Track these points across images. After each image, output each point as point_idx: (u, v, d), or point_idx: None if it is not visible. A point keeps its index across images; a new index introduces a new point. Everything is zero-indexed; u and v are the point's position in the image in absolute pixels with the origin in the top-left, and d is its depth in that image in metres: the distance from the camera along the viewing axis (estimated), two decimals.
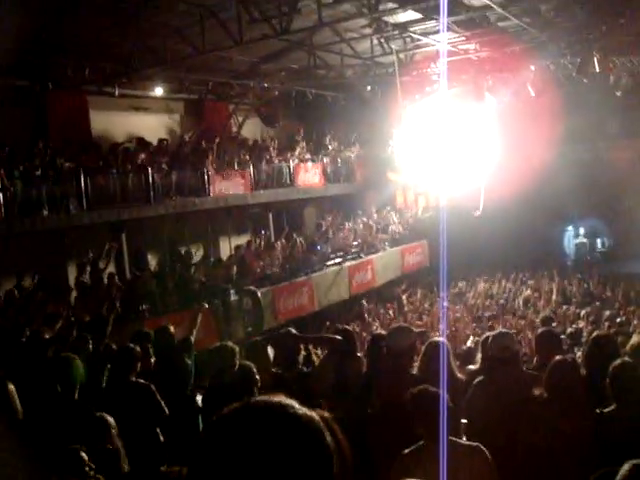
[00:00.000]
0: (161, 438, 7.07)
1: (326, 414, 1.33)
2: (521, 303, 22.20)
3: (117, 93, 18.83)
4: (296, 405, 1.30)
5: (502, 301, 23.17)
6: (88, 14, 14.06)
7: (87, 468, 5.03)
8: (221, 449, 1.25)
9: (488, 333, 7.82)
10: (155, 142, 19.75)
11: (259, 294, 17.86)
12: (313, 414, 1.30)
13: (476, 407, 5.95)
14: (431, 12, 16.12)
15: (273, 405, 1.30)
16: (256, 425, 1.25)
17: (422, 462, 4.38)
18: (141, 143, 19.33)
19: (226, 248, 21.97)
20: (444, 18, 14.85)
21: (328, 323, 17.91)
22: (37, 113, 17.84)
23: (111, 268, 17.66)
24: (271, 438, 1.22)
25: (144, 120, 20.91)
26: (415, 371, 6.61)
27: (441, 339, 7.23)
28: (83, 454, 5.09)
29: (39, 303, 13.23)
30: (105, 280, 15.14)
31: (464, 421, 5.56)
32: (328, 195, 25.72)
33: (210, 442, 1.28)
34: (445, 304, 20.08)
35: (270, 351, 8.11)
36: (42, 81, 17.54)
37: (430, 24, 17.44)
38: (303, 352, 8.24)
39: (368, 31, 18.48)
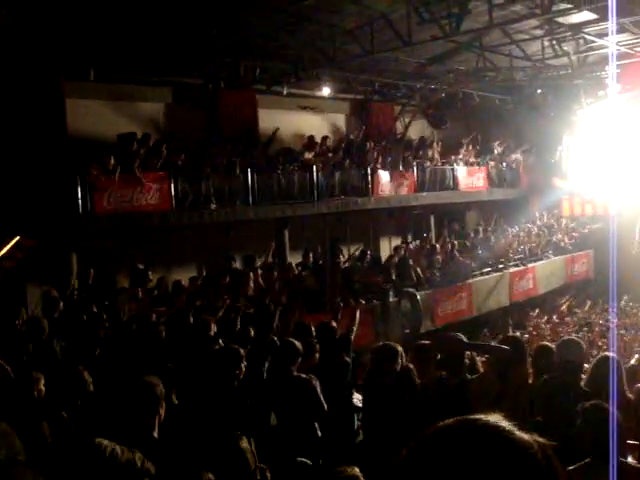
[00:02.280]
0: (319, 433, 7.12)
1: (543, 440, 1.25)
2: None
3: (285, 92, 19.21)
4: (515, 429, 1.22)
5: None
6: (261, 15, 14.39)
7: (250, 455, 5.12)
8: (432, 469, 1.19)
9: None
10: (320, 141, 19.97)
11: (418, 297, 17.78)
12: (532, 440, 1.22)
13: None
14: (607, 12, 15.53)
15: (490, 427, 1.23)
16: (471, 448, 1.19)
17: None
18: (308, 142, 19.61)
19: (386, 249, 21.98)
20: (613, 18, 14.23)
21: (486, 330, 17.63)
22: (208, 111, 18.44)
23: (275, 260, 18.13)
24: (487, 463, 1.16)
25: (310, 119, 21.19)
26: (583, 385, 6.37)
27: (612, 354, 6.91)
28: (245, 444, 5.18)
29: (204, 292, 13.73)
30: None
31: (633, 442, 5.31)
32: (491, 200, 25.23)
33: (421, 459, 1.23)
34: (614, 318, 19.36)
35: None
36: (215, 80, 18.14)
37: (605, 25, 16.80)
38: (467, 360, 8.08)
39: (539, 32, 18.00)
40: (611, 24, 14.78)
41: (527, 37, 18.28)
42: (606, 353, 7.18)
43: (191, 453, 4.80)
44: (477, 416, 1.25)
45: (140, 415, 4.47)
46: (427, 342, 8.40)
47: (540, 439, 1.24)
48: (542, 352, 7.15)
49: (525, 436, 1.22)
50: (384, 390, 6.75)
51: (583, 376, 6.68)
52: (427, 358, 7.62)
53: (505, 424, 1.23)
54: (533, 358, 7.35)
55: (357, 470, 4.00)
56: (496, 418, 1.25)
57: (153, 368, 6.39)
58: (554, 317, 23.68)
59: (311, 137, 19.72)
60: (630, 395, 6.46)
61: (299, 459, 5.05)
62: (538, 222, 26.06)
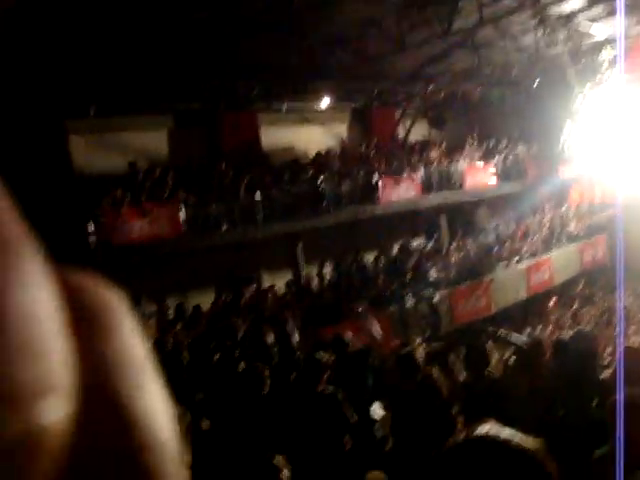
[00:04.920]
0: (346, 447, 7.14)
1: (540, 444, 1.32)
2: None
3: (285, 108, 19.33)
4: (517, 437, 1.29)
5: None
6: (252, 34, 14.51)
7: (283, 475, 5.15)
8: None
9: None
10: (323, 152, 20.07)
11: (435, 298, 17.81)
12: (535, 445, 1.29)
13: None
14: None
15: (499, 440, 1.29)
16: (485, 461, 1.25)
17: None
18: (312, 155, 19.74)
19: (399, 253, 22.02)
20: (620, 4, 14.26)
21: (501, 330, 17.56)
22: (211, 134, 18.57)
23: (289, 277, 18.21)
24: (501, 474, 1.22)
25: (312, 132, 21.29)
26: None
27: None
28: (279, 461, 5.22)
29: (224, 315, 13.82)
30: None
31: None
32: (499, 194, 25.21)
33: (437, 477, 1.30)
34: (622, 304, 19.27)
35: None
36: (214, 103, 18.25)
37: (597, 10, 16.87)
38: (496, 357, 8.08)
39: (531, 24, 18.07)
40: (619, 6, 14.72)
41: (520, 30, 18.35)
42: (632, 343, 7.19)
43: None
44: (482, 431, 1.31)
45: None
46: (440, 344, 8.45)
47: (539, 444, 1.31)
48: (558, 346, 7.18)
49: (524, 442, 1.28)
50: (408, 398, 6.78)
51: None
52: (445, 360, 7.66)
53: (507, 433, 1.29)
54: (551, 352, 7.38)
55: (382, 474, 4.09)
56: (496, 430, 1.31)
57: (181, 396, 6.45)
58: (574, 306, 23.63)
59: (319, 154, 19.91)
60: None
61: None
62: (548, 212, 25.99)
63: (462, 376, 7.52)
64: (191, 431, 4.81)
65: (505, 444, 1.28)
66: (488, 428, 1.31)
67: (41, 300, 0.33)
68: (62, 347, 0.32)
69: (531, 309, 22.40)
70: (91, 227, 14.00)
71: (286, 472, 5.20)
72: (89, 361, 0.34)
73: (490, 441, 1.30)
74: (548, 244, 24.00)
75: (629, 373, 5.39)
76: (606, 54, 20.56)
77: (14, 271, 0.32)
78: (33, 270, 0.33)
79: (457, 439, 1.33)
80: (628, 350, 6.54)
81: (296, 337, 10.55)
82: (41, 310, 0.32)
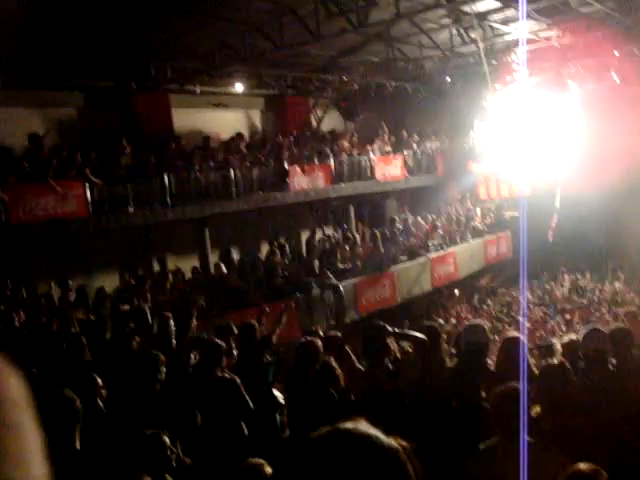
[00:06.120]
0: (245, 432, 7.18)
1: (405, 444, 1.35)
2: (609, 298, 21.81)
3: (198, 91, 19.17)
4: (381, 435, 1.32)
5: (589, 294, 22.87)
6: (167, 14, 14.32)
7: (169, 452, 5.19)
8: (307, 477, 1.28)
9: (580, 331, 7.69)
10: (235, 137, 19.96)
11: (341, 288, 17.95)
12: (397, 445, 1.32)
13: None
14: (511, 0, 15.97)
15: (361, 435, 1.31)
16: (344, 456, 1.27)
17: (498, 460, 4.37)
18: (222, 139, 19.63)
19: (308, 241, 22.11)
20: (523, 6, 14.64)
21: (407, 321, 17.86)
22: (122, 114, 18.26)
23: (195, 262, 18.08)
24: (359, 470, 1.24)
25: (225, 116, 21.17)
26: (492, 367, 6.59)
27: (518, 335, 7.10)
28: (165, 438, 5.24)
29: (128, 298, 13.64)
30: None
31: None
32: (409, 187, 25.56)
33: (297, 469, 1.31)
34: (524, 298, 19.79)
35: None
36: (126, 82, 17.94)
37: (510, 12, 17.22)
38: (394, 346, 8.21)
39: (447, 21, 18.33)
40: (522, 9, 15.05)
41: (435, 26, 18.60)
42: (512, 334, 7.41)
43: (117, 458, 4.85)
44: (348, 425, 1.34)
45: (61, 428, 4.47)
46: (336, 333, 8.54)
47: (403, 442, 1.34)
48: (457, 338, 7.38)
49: (392, 441, 1.32)
50: (307, 385, 6.85)
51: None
52: (340, 348, 7.77)
53: (373, 431, 1.32)
54: (453, 344, 7.59)
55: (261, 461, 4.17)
56: (365, 426, 1.34)
57: (77, 379, 6.37)
58: (475, 300, 24.23)
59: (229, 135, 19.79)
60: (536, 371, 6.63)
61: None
62: (456, 206, 26.48)
63: (361, 365, 7.64)
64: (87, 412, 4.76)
65: (365, 439, 1.31)
66: (353, 424, 1.33)
67: None
68: None
69: (435, 301, 22.82)
70: None
71: (172, 448, 5.26)
72: None
73: (349, 435, 1.32)
74: (454, 237, 24.40)
75: (510, 364, 5.57)
76: (517, 55, 21.01)
77: None
78: None
79: (320, 431, 1.35)
80: (509, 340, 6.76)
81: (193, 322, 10.48)
82: None
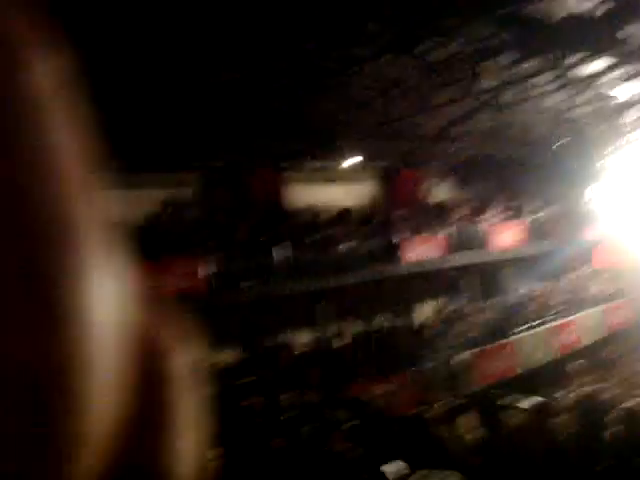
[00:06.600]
0: None
1: None
2: None
3: (310, 167, 19.49)
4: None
5: None
6: (279, 96, 14.70)
7: None
8: None
9: None
10: (346, 211, 20.12)
11: (457, 360, 17.62)
12: None
13: None
14: (625, 59, 15.73)
15: None
16: None
17: None
18: (335, 214, 19.80)
19: (422, 313, 21.88)
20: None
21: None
22: (236, 191, 18.68)
23: (309, 335, 18.14)
24: None
25: (337, 191, 21.37)
26: None
27: None
28: None
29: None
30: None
31: None
32: (525, 255, 25.06)
33: None
34: None
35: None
36: (241, 161, 18.39)
37: (620, 72, 16.94)
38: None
39: (555, 85, 18.14)
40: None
41: (544, 91, 18.43)
42: None
43: None
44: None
45: None
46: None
47: None
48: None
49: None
50: (421, 455, 6.71)
51: None
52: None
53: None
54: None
55: None
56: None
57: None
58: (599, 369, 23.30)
59: (343, 210, 19.96)
60: None
61: None
62: (574, 274, 25.77)
63: (475, 435, 7.45)
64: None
65: None
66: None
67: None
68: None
69: (557, 370, 22.10)
70: None
71: None
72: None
73: None
74: (573, 305, 23.71)
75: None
76: (629, 116, 20.57)
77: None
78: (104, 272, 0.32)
79: None
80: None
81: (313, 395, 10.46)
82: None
